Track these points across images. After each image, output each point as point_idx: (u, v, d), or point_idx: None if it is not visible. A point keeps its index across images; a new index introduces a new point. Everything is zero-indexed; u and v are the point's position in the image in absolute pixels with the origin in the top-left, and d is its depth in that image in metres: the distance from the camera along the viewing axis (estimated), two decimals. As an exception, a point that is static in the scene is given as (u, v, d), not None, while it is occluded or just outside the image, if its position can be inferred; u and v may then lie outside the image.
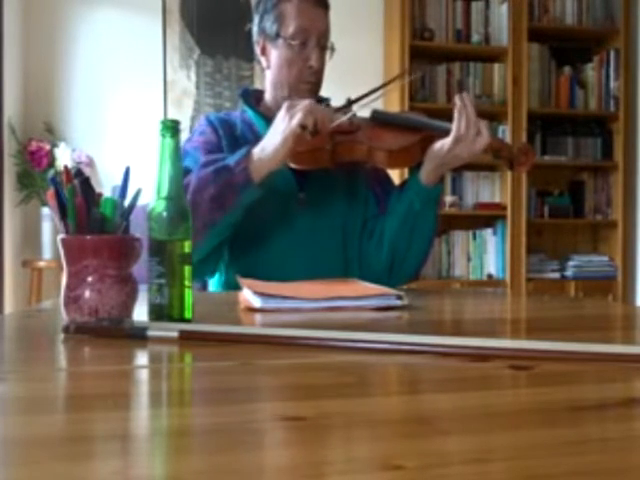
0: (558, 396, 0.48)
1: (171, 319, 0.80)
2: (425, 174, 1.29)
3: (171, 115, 3.31)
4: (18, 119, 3.14)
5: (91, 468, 0.34)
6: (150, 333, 0.69)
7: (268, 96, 1.43)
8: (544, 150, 3.56)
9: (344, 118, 1.25)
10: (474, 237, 3.55)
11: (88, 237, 0.78)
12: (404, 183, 1.36)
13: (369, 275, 1.29)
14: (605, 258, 3.61)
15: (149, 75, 3.35)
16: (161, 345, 0.68)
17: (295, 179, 1.35)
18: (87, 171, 2.97)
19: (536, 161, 1.44)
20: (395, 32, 3.38)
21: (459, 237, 3.55)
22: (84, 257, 0.76)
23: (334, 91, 1.48)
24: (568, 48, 3.63)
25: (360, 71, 3.41)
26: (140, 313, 0.81)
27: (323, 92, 1.41)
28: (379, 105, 1.38)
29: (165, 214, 0.81)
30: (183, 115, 3.34)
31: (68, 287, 0.77)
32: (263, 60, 1.41)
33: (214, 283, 1.41)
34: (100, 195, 0.82)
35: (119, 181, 0.83)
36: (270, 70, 1.39)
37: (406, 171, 1.50)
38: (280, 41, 1.35)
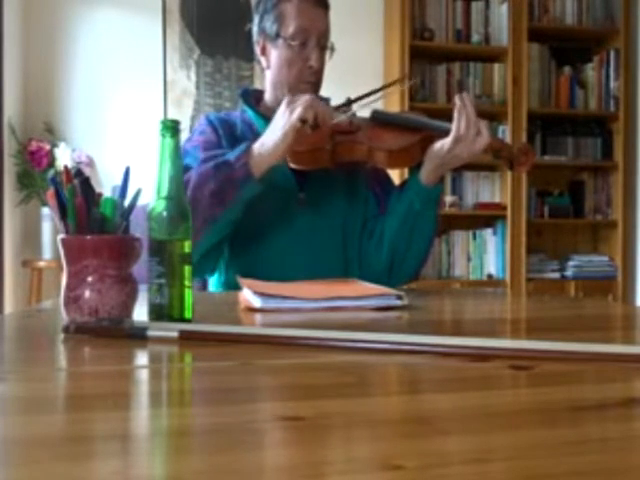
0: (558, 396, 0.48)
1: (171, 319, 0.80)
2: (425, 174, 1.29)
3: (171, 115, 3.31)
4: (18, 119, 3.14)
5: (91, 468, 0.34)
6: (150, 333, 0.69)
7: (268, 96, 1.43)
8: (544, 150, 3.56)
9: (344, 116, 1.25)
10: (474, 237, 3.55)
11: (88, 237, 0.78)
12: (404, 183, 1.36)
13: (369, 275, 1.29)
14: (605, 258, 3.61)
15: (149, 75, 3.35)
16: (161, 345, 0.68)
17: (295, 179, 1.35)
18: (87, 171, 2.97)
19: (536, 161, 1.44)
20: (395, 32, 3.38)
21: (459, 237, 3.55)
22: (84, 257, 0.76)
23: (334, 91, 1.48)
24: (568, 48, 3.63)
25: (360, 71, 3.41)
26: (140, 313, 0.81)
27: (323, 92, 1.41)
28: (379, 105, 1.38)
29: (165, 214, 0.81)
30: (183, 115, 3.34)
31: (68, 287, 0.77)
32: (263, 60, 1.41)
33: (214, 283, 1.41)
34: (100, 195, 0.82)
35: (119, 181, 0.83)
36: (270, 70, 1.39)
37: (406, 171, 1.50)
38: (280, 41, 1.35)
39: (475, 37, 3.45)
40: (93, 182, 0.83)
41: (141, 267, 0.82)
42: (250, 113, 1.42)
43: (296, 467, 0.34)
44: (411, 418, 0.43)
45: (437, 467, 0.34)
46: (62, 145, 3.08)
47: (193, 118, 3.36)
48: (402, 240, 1.33)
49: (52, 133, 3.18)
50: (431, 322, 0.93)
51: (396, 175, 2.45)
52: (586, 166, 3.64)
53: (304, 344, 0.66)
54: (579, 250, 3.71)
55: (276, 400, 0.49)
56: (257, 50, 1.41)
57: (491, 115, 3.43)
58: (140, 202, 0.83)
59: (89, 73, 3.29)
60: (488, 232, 3.56)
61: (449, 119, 1.23)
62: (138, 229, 0.84)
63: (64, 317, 0.78)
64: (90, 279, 0.76)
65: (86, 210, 0.79)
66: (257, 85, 3.32)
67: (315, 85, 1.37)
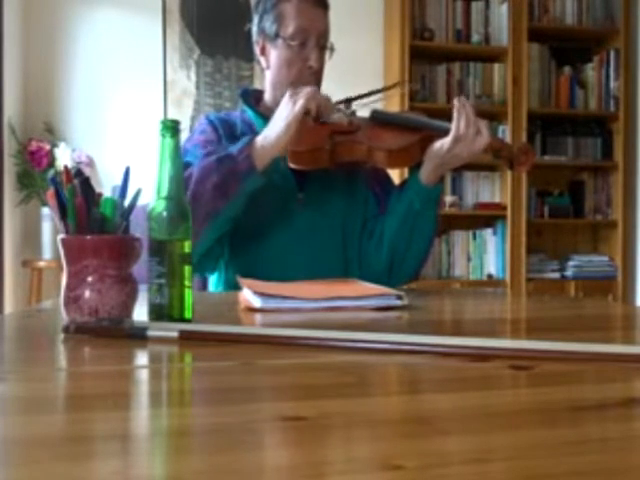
0: (558, 396, 0.48)
1: (171, 319, 0.80)
2: (425, 174, 1.29)
3: (171, 115, 3.31)
4: (18, 119, 3.14)
5: (91, 468, 0.34)
6: (150, 333, 0.69)
7: (268, 96, 1.43)
8: (544, 150, 3.56)
9: (344, 113, 1.26)
10: (474, 237, 3.55)
11: (88, 237, 0.78)
12: (404, 183, 1.36)
13: (369, 275, 1.29)
14: (605, 258, 3.61)
15: (149, 75, 3.35)
16: (161, 345, 0.68)
17: (295, 179, 1.35)
18: (87, 171, 2.97)
19: (536, 161, 1.44)
20: (395, 32, 3.38)
21: (459, 237, 3.55)
22: (84, 257, 0.76)
23: (334, 91, 1.47)
24: (568, 48, 3.63)
25: (360, 71, 3.41)
26: (140, 313, 0.81)
27: (323, 92, 1.41)
28: (379, 105, 1.38)
29: (165, 214, 0.81)
30: (183, 115, 3.34)
31: (68, 287, 0.77)
32: (263, 60, 1.41)
33: (214, 282, 1.41)
34: (100, 195, 0.82)
35: (119, 181, 0.83)
36: (270, 70, 1.39)
37: (406, 171, 1.50)
38: (279, 41, 1.35)
39: (475, 37, 3.45)
40: (93, 182, 0.83)
41: (141, 267, 0.82)
42: (250, 113, 1.42)
43: (296, 467, 0.34)
44: (411, 418, 0.43)
45: (437, 467, 0.34)
46: (62, 145, 3.08)
47: (193, 118, 3.36)
48: (402, 240, 1.33)
49: (52, 133, 3.18)
50: (431, 322, 0.93)
51: (396, 175, 2.45)
52: (586, 166, 3.64)
53: (304, 344, 0.66)
54: (579, 250, 3.71)
55: (276, 400, 0.49)
56: (257, 50, 1.41)
57: (491, 115, 3.43)
58: (140, 202, 0.83)
59: (89, 73, 3.29)
60: (488, 232, 3.56)
61: (449, 119, 1.23)
62: (138, 229, 0.84)
63: (64, 317, 0.78)
64: (90, 279, 0.76)
65: (86, 210, 0.79)
66: (257, 85, 3.32)
67: (315, 85, 1.37)
